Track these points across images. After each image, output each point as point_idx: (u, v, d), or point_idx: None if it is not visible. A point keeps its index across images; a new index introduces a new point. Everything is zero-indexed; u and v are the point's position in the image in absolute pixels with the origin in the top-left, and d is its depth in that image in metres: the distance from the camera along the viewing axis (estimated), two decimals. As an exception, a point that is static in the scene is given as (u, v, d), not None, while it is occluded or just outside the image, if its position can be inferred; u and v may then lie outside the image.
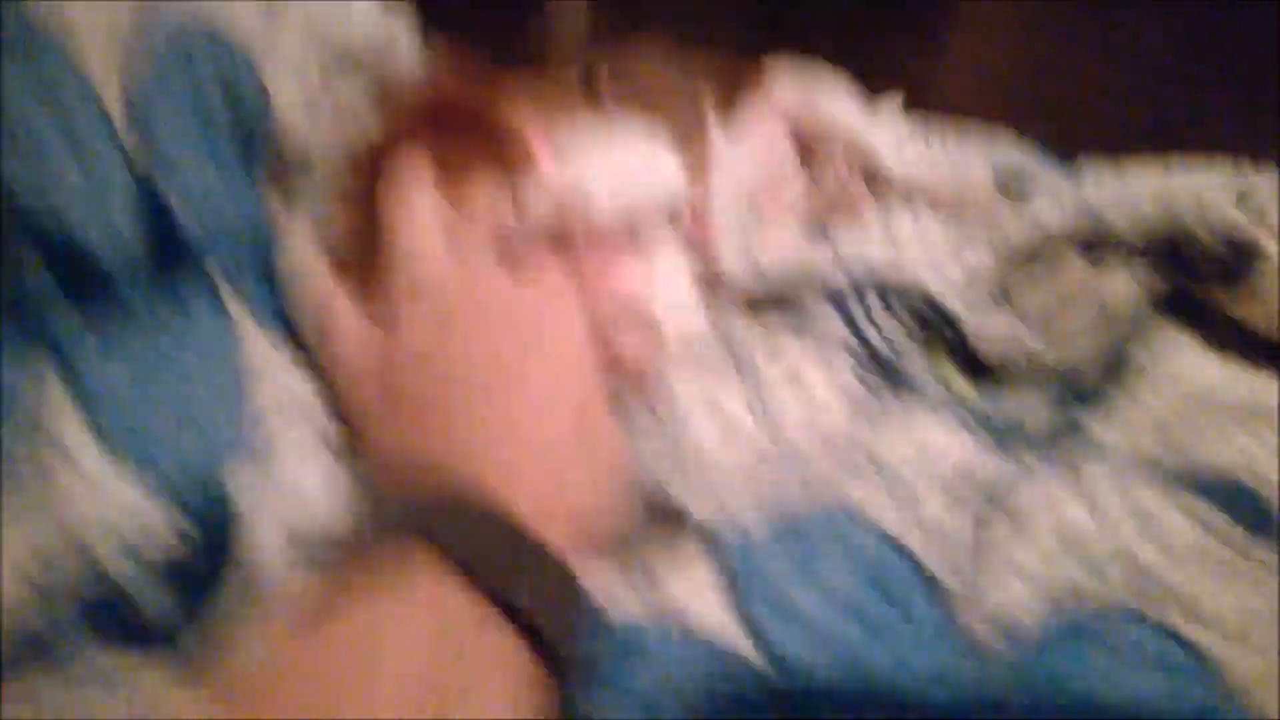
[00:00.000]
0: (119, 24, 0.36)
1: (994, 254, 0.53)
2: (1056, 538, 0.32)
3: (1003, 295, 0.55)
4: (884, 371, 0.47)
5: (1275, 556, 0.31)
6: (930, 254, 0.55)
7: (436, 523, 0.23)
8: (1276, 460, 0.36)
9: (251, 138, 0.40)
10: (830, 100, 0.62)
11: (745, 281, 0.56)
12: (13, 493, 0.30)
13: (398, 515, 0.24)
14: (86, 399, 0.32)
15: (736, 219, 0.58)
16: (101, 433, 0.32)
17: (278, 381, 0.37)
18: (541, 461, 0.28)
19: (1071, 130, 0.89)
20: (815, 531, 0.33)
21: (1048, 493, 0.35)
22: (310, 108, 0.42)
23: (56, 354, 0.33)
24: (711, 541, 0.33)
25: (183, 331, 0.36)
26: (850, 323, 0.48)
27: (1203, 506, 0.32)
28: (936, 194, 0.62)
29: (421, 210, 0.36)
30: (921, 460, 0.36)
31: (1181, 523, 0.31)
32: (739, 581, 0.31)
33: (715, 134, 0.56)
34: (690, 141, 0.54)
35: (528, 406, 0.29)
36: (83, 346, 0.33)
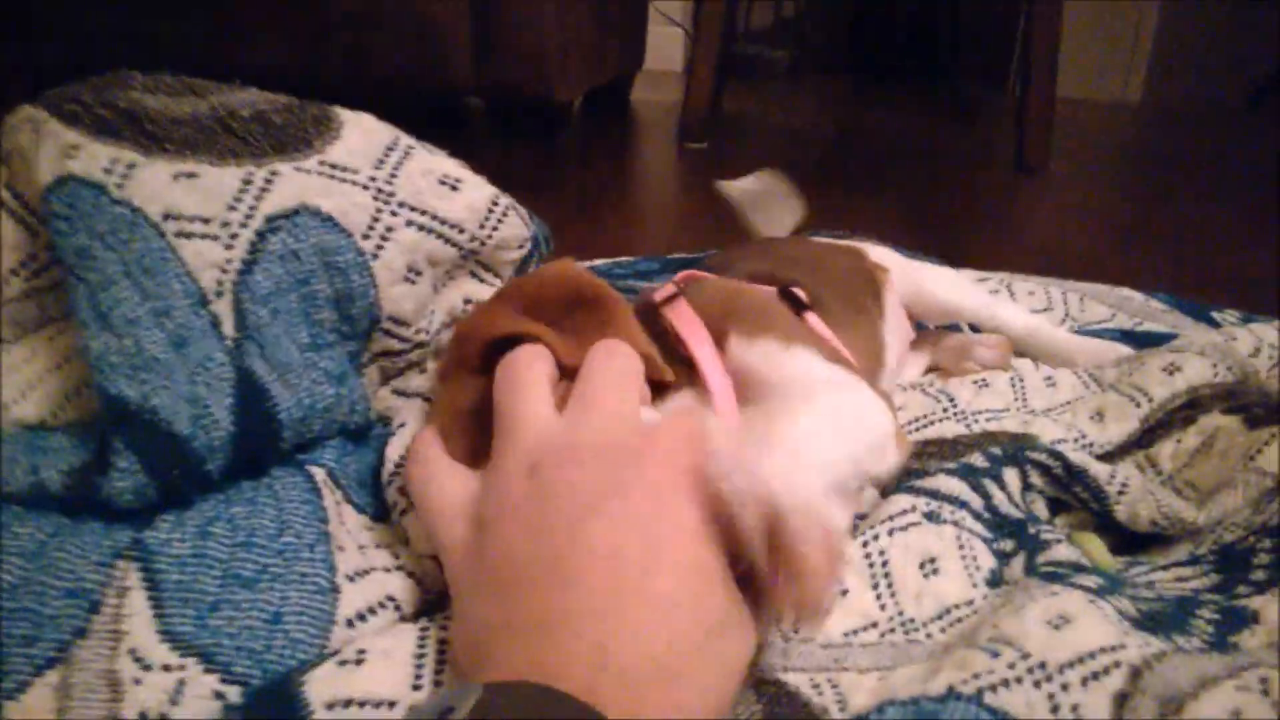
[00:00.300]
0: (221, 209, 0.37)
1: (1137, 419, 0.51)
2: None
3: (1149, 462, 0.52)
4: (1018, 540, 0.42)
5: None
6: (1070, 419, 0.53)
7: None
8: None
9: (353, 320, 0.40)
10: (945, 284, 0.67)
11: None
12: (82, 705, 0.27)
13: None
14: (166, 604, 0.30)
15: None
16: (179, 641, 0.29)
17: (367, 562, 0.34)
18: (658, 667, 0.24)
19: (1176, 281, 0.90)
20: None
21: (1200, 674, 0.28)
22: (413, 289, 0.42)
23: (142, 559, 0.31)
24: None
25: (273, 515, 0.34)
26: (979, 489, 0.44)
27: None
28: (1069, 354, 0.64)
29: (539, 391, 0.34)
30: (1061, 643, 0.31)
31: None
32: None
33: (884, 338, 0.58)
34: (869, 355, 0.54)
35: (648, 610, 0.25)
36: (168, 549, 0.31)
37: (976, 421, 0.56)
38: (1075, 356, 0.64)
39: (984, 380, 0.61)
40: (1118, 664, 0.28)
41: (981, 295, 0.70)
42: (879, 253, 0.69)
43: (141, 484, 0.33)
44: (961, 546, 0.40)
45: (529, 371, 0.34)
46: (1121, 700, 0.27)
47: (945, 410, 0.58)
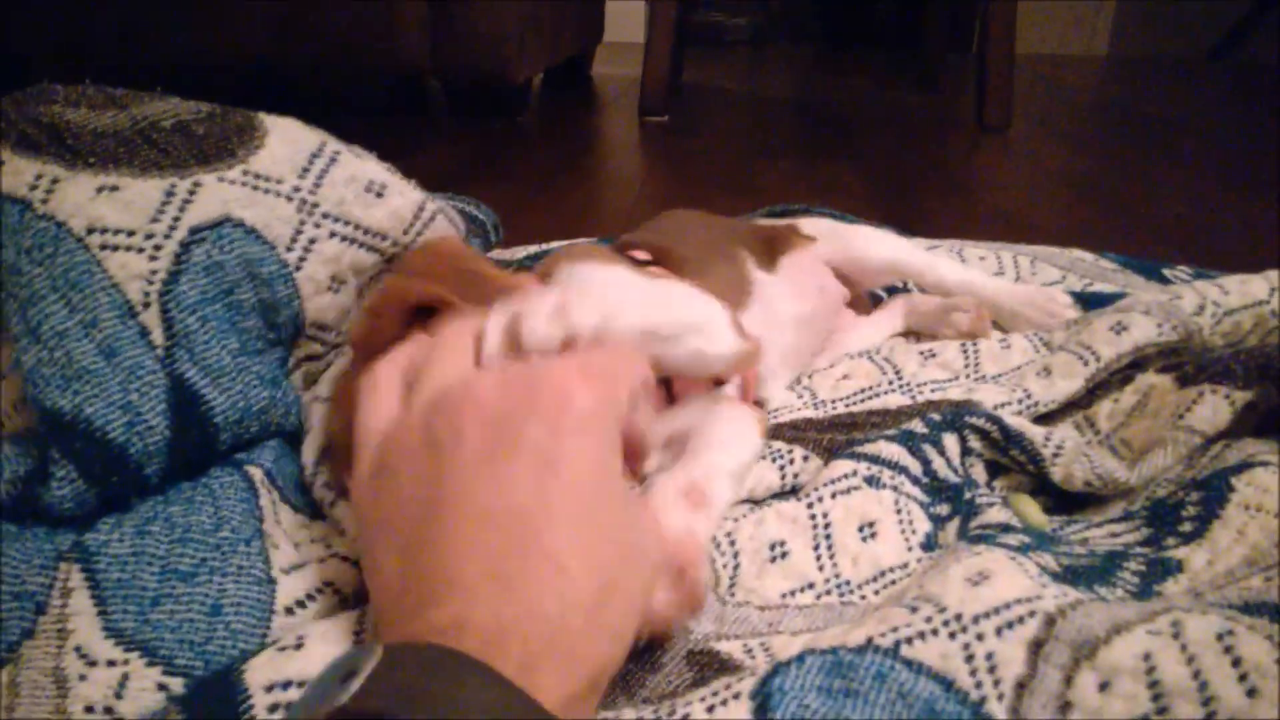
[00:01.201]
0: (144, 221, 0.38)
1: (1083, 377, 0.52)
2: (1131, 676, 0.27)
3: (1087, 422, 0.54)
4: (954, 504, 0.44)
5: None
6: (1014, 380, 0.55)
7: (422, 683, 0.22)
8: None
9: (279, 327, 0.42)
10: (876, 242, 0.68)
11: (802, 412, 0.55)
12: (29, 700, 0.29)
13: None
14: (109, 602, 0.32)
15: (785, 352, 0.60)
16: (123, 637, 0.31)
17: (302, 556, 0.36)
18: (552, 630, 0.25)
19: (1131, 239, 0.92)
20: (861, 670, 0.28)
21: (1114, 620, 0.30)
22: (336, 298, 0.43)
23: (83, 560, 0.33)
24: (756, 688, 0.29)
25: (210, 513, 0.36)
26: (918, 454, 0.46)
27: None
28: (1010, 306, 0.65)
29: (460, 344, 0.34)
30: (977, 596, 0.32)
31: (1262, 652, 0.26)
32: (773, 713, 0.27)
33: (754, 278, 0.59)
34: (732, 292, 0.55)
35: (541, 572, 0.26)
36: (108, 549, 0.33)
37: (921, 393, 0.57)
38: (1018, 309, 0.65)
39: (931, 351, 0.62)
40: (1033, 613, 0.29)
41: (918, 252, 0.71)
42: (810, 224, 0.70)
43: (80, 491, 0.34)
44: (899, 511, 0.42)
45: (451, 330, 0.34)
46: (1036, 647, 0.28)
47: (891, 382, 0.60)
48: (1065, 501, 0.48)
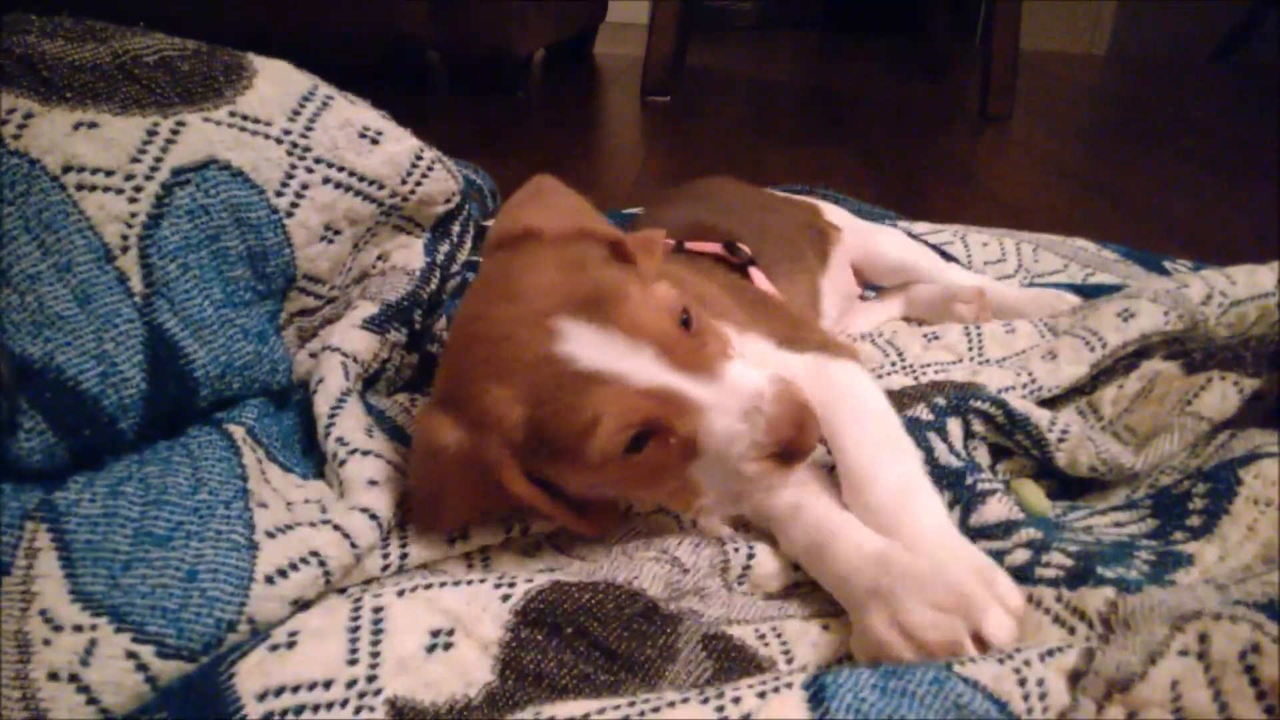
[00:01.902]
0: (124, 161, 0.35)
1: (1089, 363, 0.52)
2: (1159, 707, 0.27)
3: (1091, 408, 0.52)
4: (955, 490, 0.43)
5: None
6: (1019, 364, 0.53)
7: None
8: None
9: (269, 278, 0.39)
10: (892, 243, 0.69)
11: None
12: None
13: None
14: (78, 565, 0.29)
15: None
16: (91, 601, 0.29)
17: (292, 517, 0.34)
18: None
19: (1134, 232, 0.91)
20: (918, 675, 0.27)
21: (1158, 653, 0.30)
22: (330, 248, 0.41)
23: (51, 519, 0.30)
24: (810, 679, 0.28)
25: (188, 474, 0.33)
26: (922, 443, 0.44)
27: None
28: (1018, 308, 0.64)
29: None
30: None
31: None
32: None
33: (819, 286, 0.60)
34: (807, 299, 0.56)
35: None
36: (77, 509, 0.31)
37: (924, 374, 0.56)
38: (1024, 309, 0.65)
39: (934, 334, 0.61)
40: (1070, 645, 0.29)
41: (931, 257, 0.71)
42: (833, 212, 0.69)
43: (50, 444, 0.32)
44: None
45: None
46: (1075, 679, 0.28)
47: (894, 364, 0.59)
48: (1068, 486, 0.47)
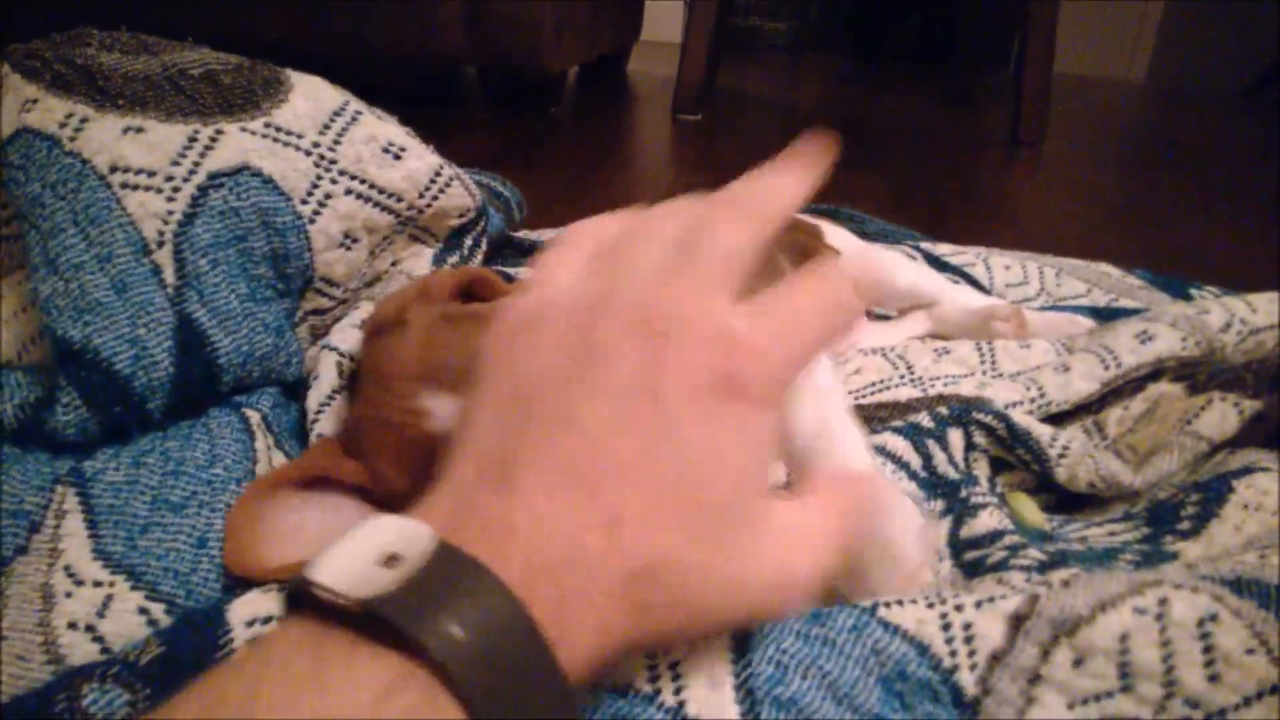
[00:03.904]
0: (165, 163, 0.39)
1: (1100, 381, 0.52)
2: (1105, 656, 0.27)
3: (1097, 427, 0.53)
4: (949, 501, 0.44)
5: None
6: (1030, 379, 0.53)
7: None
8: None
9: (289, 278, 0.43)
10: (898, 268, 0.69)
11: None
12: (16, 612, 0.30)
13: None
14: (100, 526, 0.32)
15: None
16: (110, 560, 0.32)
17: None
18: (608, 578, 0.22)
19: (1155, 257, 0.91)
20: (839, 621, 0.28)
21: (1099, 596, 0.29)
22: (347, 254, 0.44)
23: (79, 484, 0.33)
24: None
25: (205, 449, 0.37)
26: (921, 449, 0.45)
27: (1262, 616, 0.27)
28: (1032, 330, 0.64)
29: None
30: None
31: (1236, 642, 0.26)
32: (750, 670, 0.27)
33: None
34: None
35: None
36: (103, 476, 0.34)
37: (933, 386, 0.57)
38: (1038, 332, 0.65)
39: (945, 348, 0.61)
40: (1016, 590, 0.29)
41: (939, 279, 0.71)
42: (836, 235, 0.70)
43: (83, 418, 0.35)
44: None
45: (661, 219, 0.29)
46: (1018, 622, 0.28)
47: (902, 376, 0.60)
48: (1068, 501, 0.47)
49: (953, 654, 0.27)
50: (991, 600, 0.29)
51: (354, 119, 0.45)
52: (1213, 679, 0.25)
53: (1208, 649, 0.26)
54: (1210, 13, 2.88)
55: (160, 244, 0.38)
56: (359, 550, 0.21)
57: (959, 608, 0.29)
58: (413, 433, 0.33)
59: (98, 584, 0.31)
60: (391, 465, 0.34)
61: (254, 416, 0.39)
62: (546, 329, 0.26)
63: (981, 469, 0.48)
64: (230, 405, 0.39)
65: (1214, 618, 0.26)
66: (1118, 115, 2.35)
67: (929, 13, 3.09)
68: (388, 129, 0.46)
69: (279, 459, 0.39)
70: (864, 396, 0.56)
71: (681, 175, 1.39)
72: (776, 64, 2.89)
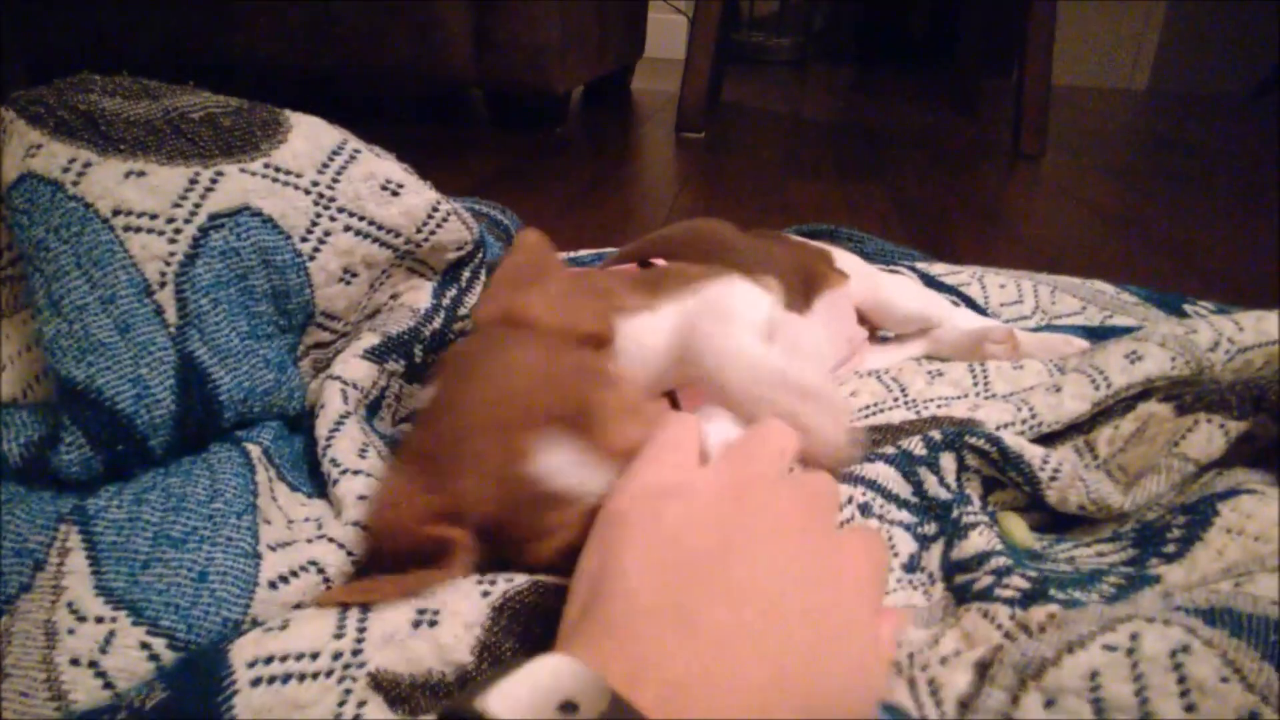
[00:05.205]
0: (166, 206, 0.40)
1: (1091, 401, 0.52)
2: (1076, 695, 0.27)
3: (1088, 447, 0.53)
4: (942, 523, 0.45)
5: None
6: (1021, 400, 0.54)
7: None
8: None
9: (290, 314, 0.44)
10: (903, 293, 0.69)
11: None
12: (20, 649, 0.31)
13: None
14: (103, 563, 0.33)
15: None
16: (113, 596, 0.32)
17: (292, 535, 0.38)
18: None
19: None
20: None
21: (1066, 640, 0.30)
22: (347, 289, 0.45)
23: (81, 522, 0.34)
24: None
25: (206, 485, 0.37)
26: (911, 477, 0.46)
27: (1256, 658, 0.27)
28: (1026, 351, 0.64)
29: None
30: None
31: (1210, 671, 0.26)
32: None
33: (781, 317, 0.58)
34: None
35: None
36: (106, 514, 0.35)
37: (926, 408, 0.57)
38: (1032, 353, 0.66)
39: (939, 370, 0.62)
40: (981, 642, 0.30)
41: (941, 304, 0.72)
42: (845, 259, 0.71)
43: (87, 457, 0.36)
44: (886, 539, 0.43)
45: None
46: (982, 669, 0.29)
47: (896, 399, 0.60)
48: (1059, 521, 0.48)
49: (919, 706, 0.29)
50: (957, 654, 0.30)
51: (352, 157, 0.46)
52: (1189, 709, 0.26)
53: (1182, 679, 0.26)
54: (1212, 18, 2.88)
55: (162, 284, 0.39)
56: (535, 691, 0.21)
57: (924, 667, 0.30)
58: (516, 485, 0.33)
59: (100, 620, 0.32)
60: (484, 487, 0.33)
61: (255, 450, 0.40)
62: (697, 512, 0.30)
63: (974, 488, 0.49)
64: (231, 440, 0.40)
65: (1186, 649, 0.27)
66: (1120, 124, 2.35)
67: (933, 19, 3.10)
68: (385, 166, 0.47)
69: (282, 490, 0.40)
70: (858, 420, 0.57)
71: (686, 192, 1.40)
72: (780, 77, 2.91)
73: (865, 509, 0.44)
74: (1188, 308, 0.81)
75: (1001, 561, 0.39)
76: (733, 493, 0.30)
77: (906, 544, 0.43)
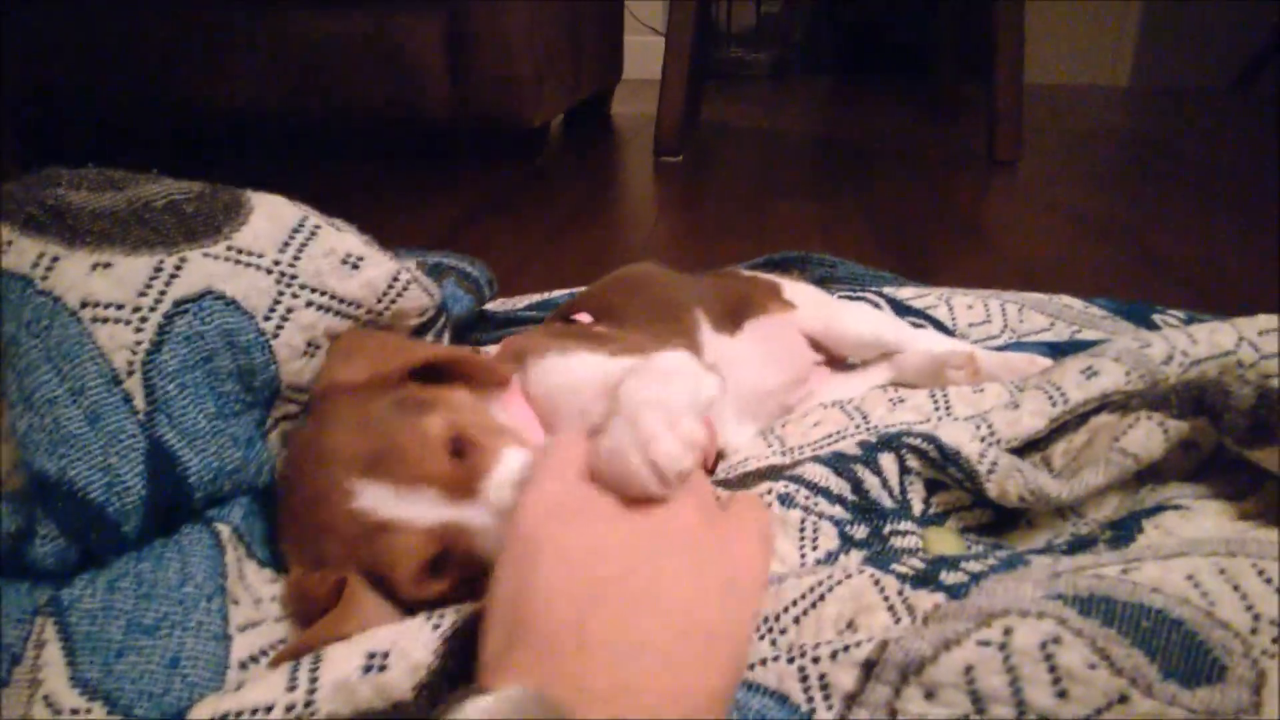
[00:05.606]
0: (132, 295, 0.41)
1: (1048, 417, 0.53)
2: (953, 687, 0.30)
3: (1044, 463, 0.54)
4: (873, 531, 0.46)
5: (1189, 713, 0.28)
6: (980, 419, 0.54)
7: None
8: (1243, 608, 0.32)
9: (256, 390, 0.45)
10: (858, 320, 0.71)
11: (770, 459, 0.57)
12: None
13: None
14: (78, 654, 0.34)
15: (740, 408, 0.62)
16: (87, 687, 0.34)
17: (260, 614, 0.39)
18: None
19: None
20: None
21: (944, 636, 0.33)
22: (311, 362, 0.47)
23: (56, 614, 0.35)
24: None
25: (176, 569, 0.39)
26: (846, 474, 0.47)
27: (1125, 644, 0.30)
28: (991, 371, 0.66)
29: None
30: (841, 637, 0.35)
31: (1078, 659, 0.29)
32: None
33: (705, 340, 0.63)
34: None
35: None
36: (80, 604, 0.36)
37: (887, 433, 0.59)
38: (995, 373, 0.67)
39: (900, 397, 0.63)
40: (870, 639, 0.32)
41: (900, 328, 0.73)
42: (794, 289, 0.72)
43: (61, 549, 0.37)
44: (803, 527, 0.44)
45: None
46: (869, 667, 0.32)
47: (858, 426, 0.61)
48: (1004, 522, 0.50)
49: (809, 700, 0.31)
50: (846, 649, 0.32)
51: (312, 234, 0.47)
52: (1061, 695, 0.28)
53: (1052, 669, 0.29)
54: (1191, 9, 2.91)
55: (130, 373, 0.40)
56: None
57: (815, 660, 0.32)
58: (355, 525, 0.38)
59: (75, 711, 0.33)
60: (334, 536, 0.39)
61: (224, 530, 0.41)
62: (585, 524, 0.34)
63: (916, 491, 0.50)
64: (203, 521, 0.41)
65: (1057, 640, 0.29)
66: (1101, 122, 2.37)
67: (913, 27, 3.13)
68: (346, 240, 0.48)
69: (250, 568, 0.41)
70: (820, 448, 0.58)
71: (664, 218, 1.42)
72: (760, 92, 2.94)
73: (786, 499, 0.45)
74: (1157, 318, 0.82)
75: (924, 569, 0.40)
76: (629, 509, 0.34)
77: (830, 539, 0.44)
